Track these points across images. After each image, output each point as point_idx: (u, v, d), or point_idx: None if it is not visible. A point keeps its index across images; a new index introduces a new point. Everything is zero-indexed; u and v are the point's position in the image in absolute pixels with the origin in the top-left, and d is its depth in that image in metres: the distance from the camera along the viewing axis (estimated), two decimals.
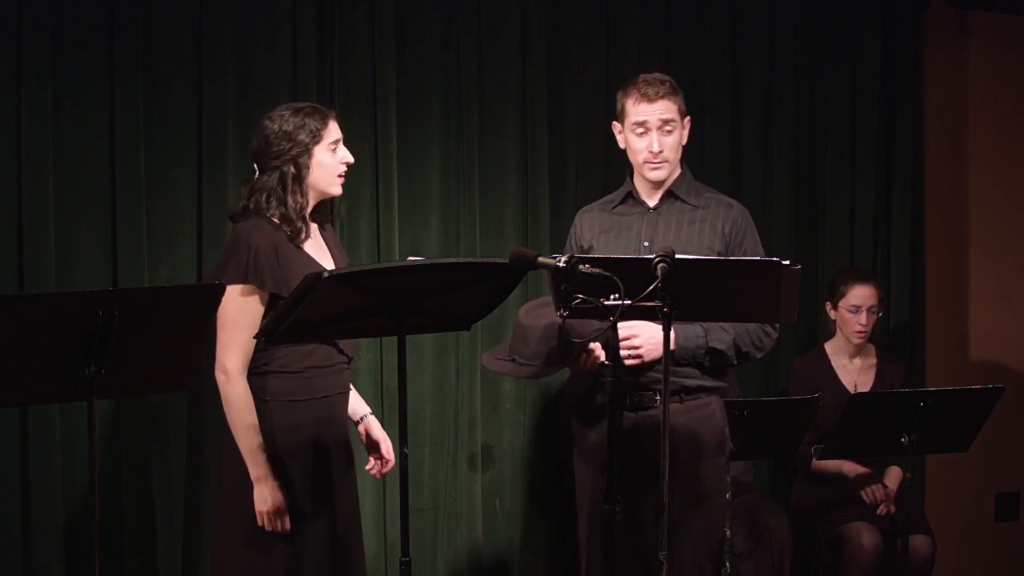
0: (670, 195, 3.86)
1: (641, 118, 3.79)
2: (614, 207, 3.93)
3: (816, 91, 5.26)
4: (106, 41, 4.13)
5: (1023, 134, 5.70)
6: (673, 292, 3.09)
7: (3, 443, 4.03)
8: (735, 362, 3.82)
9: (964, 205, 5.64)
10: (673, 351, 3.64)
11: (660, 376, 3.68)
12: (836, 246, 5.29)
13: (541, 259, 3.08)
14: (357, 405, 3.83)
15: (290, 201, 3.54)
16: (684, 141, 3.87)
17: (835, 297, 4.92)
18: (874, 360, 4.98)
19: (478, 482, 4.69)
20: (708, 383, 3.80)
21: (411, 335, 3.41)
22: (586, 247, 3.91)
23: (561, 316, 3.09)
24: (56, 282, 4.06)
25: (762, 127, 5.15)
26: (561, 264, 3.01)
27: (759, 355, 3.85)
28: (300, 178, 3.56)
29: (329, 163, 3.59)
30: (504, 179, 4.71)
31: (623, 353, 3.60)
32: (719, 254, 3.77)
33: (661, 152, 3.79)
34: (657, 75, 3.84)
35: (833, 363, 4.95)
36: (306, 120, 3.56)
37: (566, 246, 4.04)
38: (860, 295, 4.86)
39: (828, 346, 4.99)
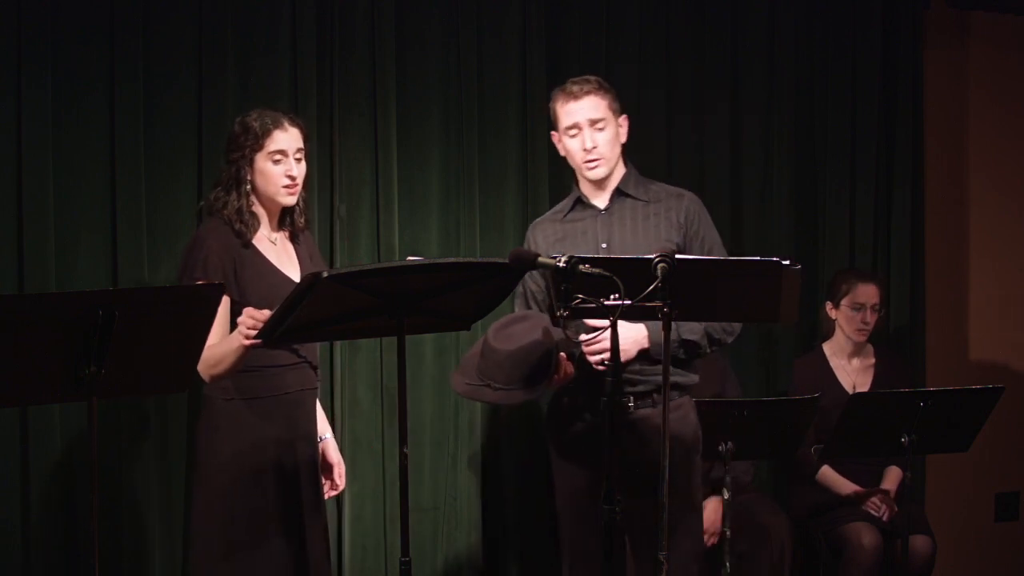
0: (619, 194, 3.85)
1: (571, 120, 3.79)
2: (565, 216, 3.90)
3: (816, 91, 5.26)
4: (106, 41, 4.13)
5: (1023, 135, 5.70)
6: (673, 292, 3.09)
7: (3, 443, 4.03)
8: (708, 351, 3.81)
9: (964, 205, 5.64)
10: (648, 348, 3.68)
11: (633, 377, 3.72)
12: (836, 246, 5.29)
13: (541, 259, 3.07)
14: (319, 424, 3.81)
15: (231, 200, 3.57)
16: (623, 139, 3.86)
17: (836, 296, 4.92)
18: (872, 360, 4.98)
19: (478, 482, 4.69)
20: (680, 379, 3.77)
21: (411, 335, 3.40)
22: None
23: (562, 316, 3.07)
24: (56, 282, 4.06)
25: (762, 127, 5.15)
26: (561, 264, 3.00)
27: (730, 339, 3.84)
28: (239, 180, 3.57)
29: (270, 172, 3.57)
30: (504, 179, 4.71)
31: (595, 359, 3.60)
32: (678, 246, 3.75)
33: (596, 148, 3.77)
34: (584, 76, 3.86)
35: (832, 364, 4.95)
36: (252, 125, 3.57)
37: None
38: (865, 293, 4.86)
39: (826, 347, 4.99)
